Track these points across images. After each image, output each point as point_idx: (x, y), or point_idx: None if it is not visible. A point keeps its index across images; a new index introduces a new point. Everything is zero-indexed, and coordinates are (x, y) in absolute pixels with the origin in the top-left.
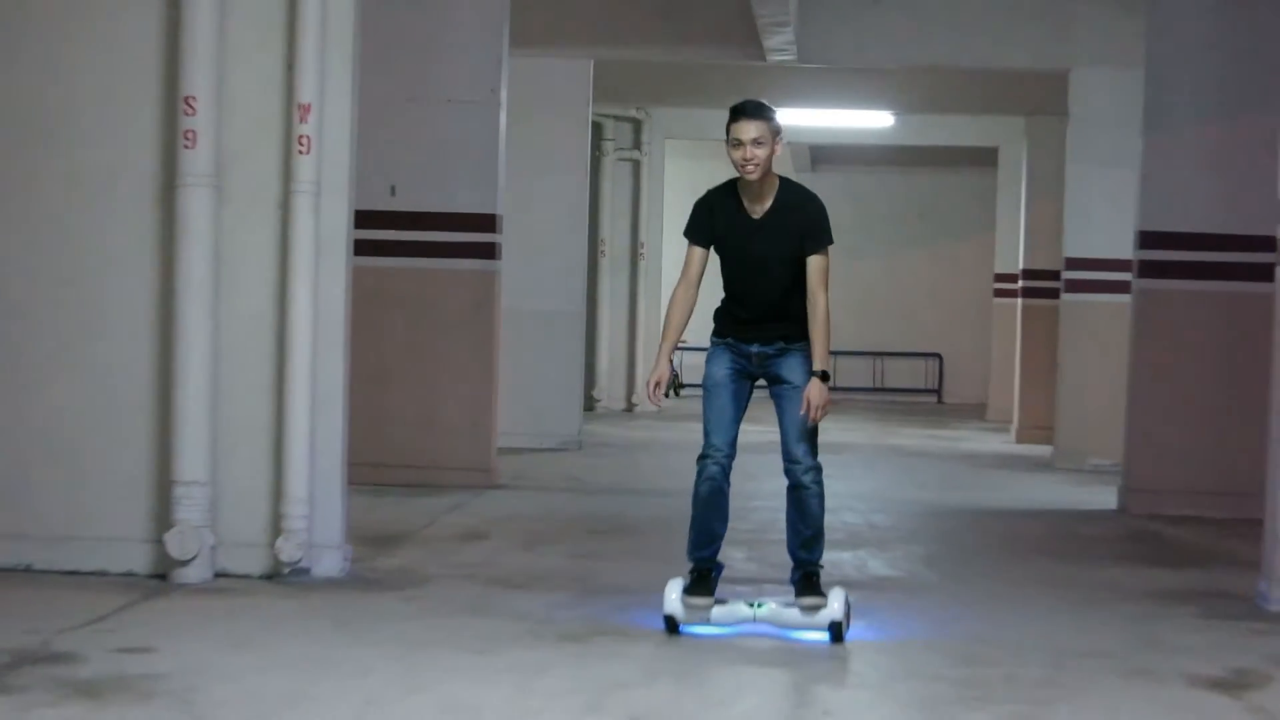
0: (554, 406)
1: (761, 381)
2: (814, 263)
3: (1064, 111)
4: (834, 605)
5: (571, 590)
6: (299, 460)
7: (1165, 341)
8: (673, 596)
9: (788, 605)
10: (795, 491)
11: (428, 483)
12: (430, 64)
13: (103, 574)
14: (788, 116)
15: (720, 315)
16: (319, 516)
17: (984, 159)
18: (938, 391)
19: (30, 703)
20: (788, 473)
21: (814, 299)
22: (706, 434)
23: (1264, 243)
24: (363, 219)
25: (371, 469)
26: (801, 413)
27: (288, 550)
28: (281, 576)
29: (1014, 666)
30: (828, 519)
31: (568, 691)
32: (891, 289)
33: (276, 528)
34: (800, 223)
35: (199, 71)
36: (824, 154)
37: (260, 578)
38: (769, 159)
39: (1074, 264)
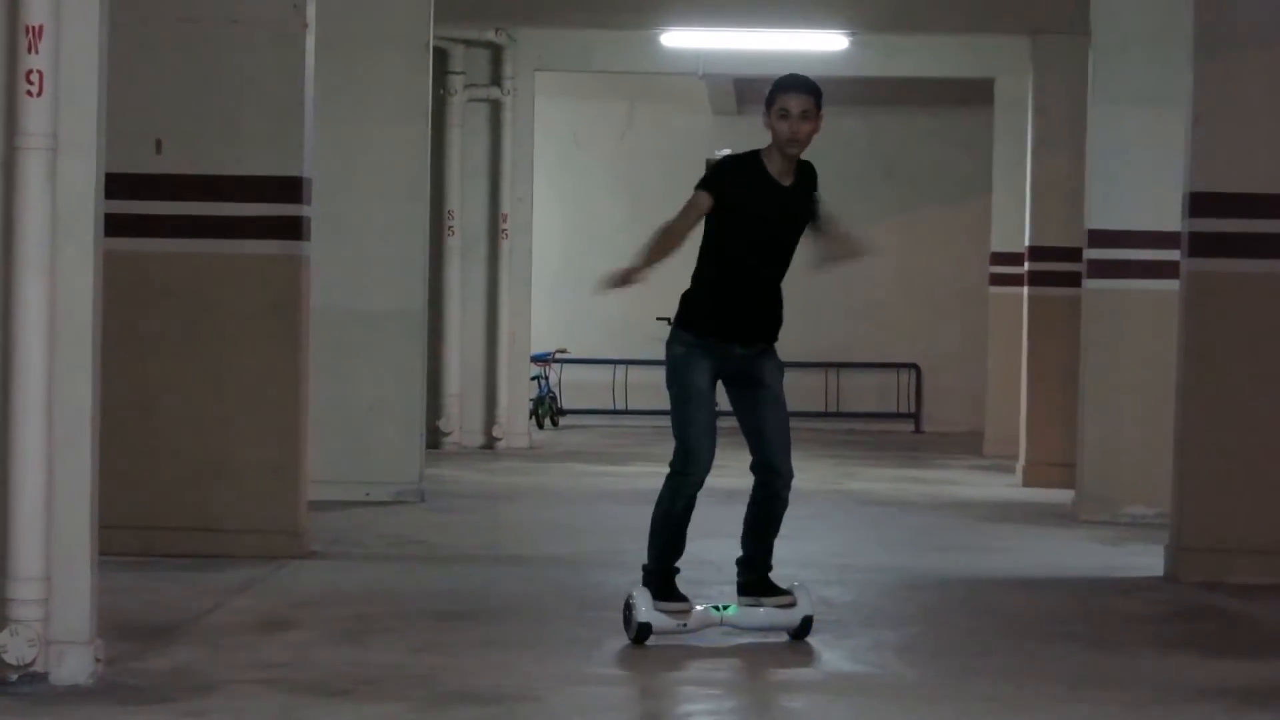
0: (385, 444)
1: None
2: (828, 213)
3: (1084, 29)
4: (803, 601)
5: (411, 700)
6: (30, 524)
7: (1228, 344)
8: (644, 606)
9: (754, 605)
10: (768, 503)
11: (212, 551)
12: None
13: None
14: (705, 39)
15: (698, 305)
16: (60, 602)
17: (975, 95)
18: (915, 416)
19: None
20: (765, 484)
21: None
22: (688, 449)
23: None
24: (118, 185)
25: (133, 534)
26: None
27: (17, 649)
28: (9, 685)
29: None
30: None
31: None
32: (849, 277)
33: (1, 618)
34: (811, 188)
35: None
36: (754, 90)
37: None
38: (810, 136)
39: (1100, 239)
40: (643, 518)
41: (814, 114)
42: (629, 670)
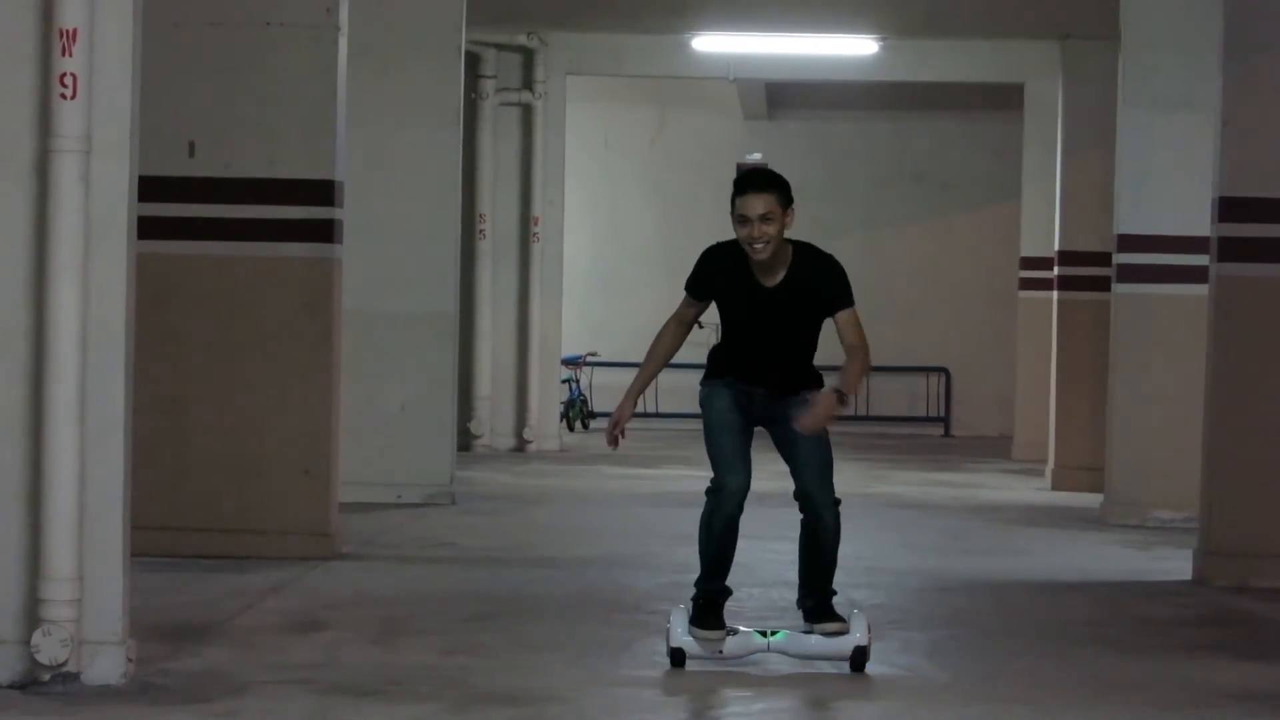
0: (417, 446)
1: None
2: (845, 320)
3: (1114, 34)
4: (858, 630)
5: (442, 700)
6: (63, 524)
7: (1257, 349)
8: (679, 630)
9: (805, 632)
10: (814, 530)
11: (243, 553)
12: None
13: None
14: (737, 43)
15: (719, 358)
16: (92, 602)
17: (1004, 100)
18: (944, 420)
19: None
20: (806, 510)
21: (852, 354)
22: (720, 472)
23: None
24: (151, 188)
25: (165, 534)
26: (802, 422)
27: (49, 649)
28: (41, 685)
29: None
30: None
31: None
32: (878, 280)
33: (33, 619)
34: (819, 288)
35: None
36: (784, 95)
37: (11, 686)
38: (779, 235)
39: (1129, 243)
40: (672, 520)
41: (778, 213)
42: (658, 672)
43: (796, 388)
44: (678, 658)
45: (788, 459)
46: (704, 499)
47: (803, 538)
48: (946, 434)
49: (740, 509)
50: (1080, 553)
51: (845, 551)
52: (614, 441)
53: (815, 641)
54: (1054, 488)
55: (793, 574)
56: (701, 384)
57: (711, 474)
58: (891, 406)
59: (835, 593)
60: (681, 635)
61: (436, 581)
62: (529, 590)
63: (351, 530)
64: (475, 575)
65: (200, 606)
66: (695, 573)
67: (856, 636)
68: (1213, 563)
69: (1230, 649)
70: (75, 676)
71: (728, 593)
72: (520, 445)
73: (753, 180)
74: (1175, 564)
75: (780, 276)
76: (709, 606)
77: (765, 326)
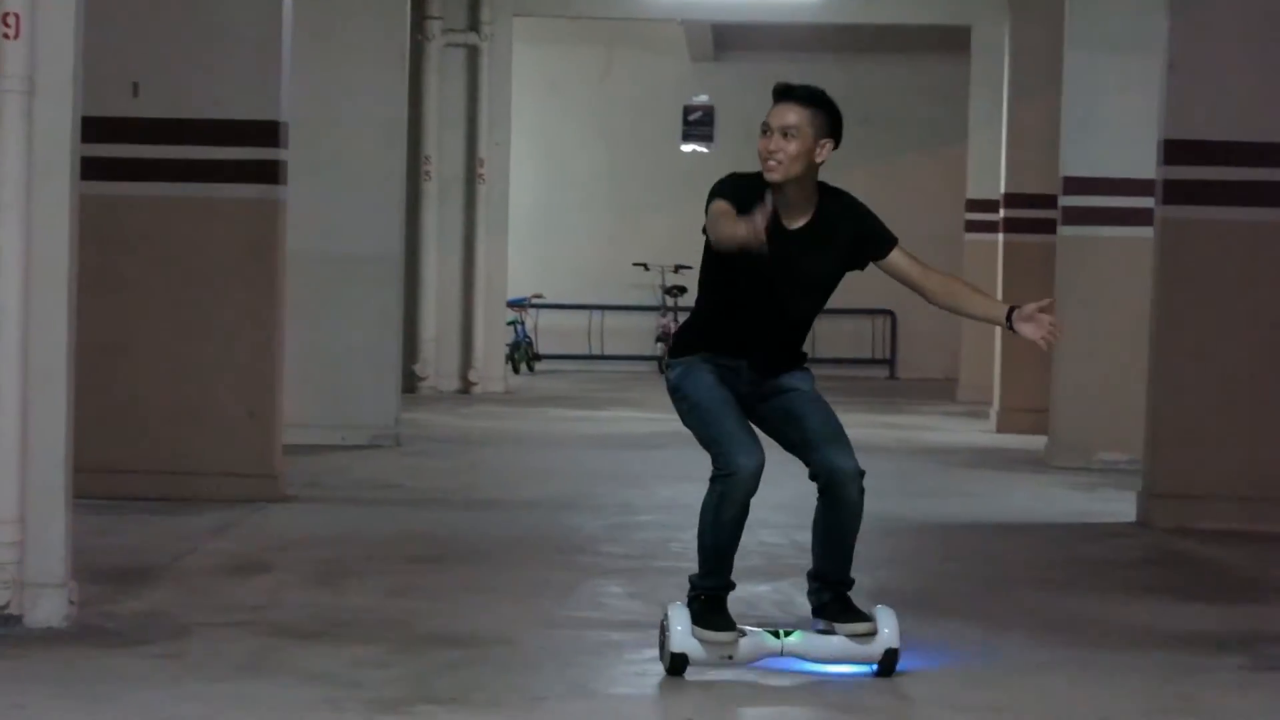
0: (361, 388)
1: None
2: (906, 257)
3: None
4: (887, 628)
5: (386, 642)
6: (4, 467)
7: (1201, 293)
8: (680, 628)
9: (825, 632)
10: (836, 510)
11: (185, 494)
12: None
13: None
14: None
15: (697, 330)
16: (34, 544)
17: (952, 43)
18: (889, 363)
19: None
20: (830, 488)
21: (948, 286)
22: (730, 452)
23: None
24: (95, 128)
25: (107, 477)
26: (1043, 336)
27: None
28: None
29: None
30: (743, 538)
31: None
32: None
33: None
34: (854, 230)
35: None
36: (731, 36)
37: None
38: (802, 159)
39: (1075, 186)
40: (617, 462)
41: (808, 135)
42: (602, 613)
43: (786, 365)
44: (679, 664)
45: (792, 437)
46: (655, 436)
47: (819, 522)
48: (891, 376)
49: (754, 492)
50: (1024, 494)
51: (788, 493)
52: (765, 235)
53: (839, 643)
54: (999, 430)
55: (765, 534)
56: (671, 364)
57: (713, 459)
58: (836, 348)
59: (854, 582)
60: (685, 638)
61: (381, 523)
62: (474, 532)
63: (296, 472)
64: (420, 517)
65: (143, 549)
66: (641, 515)
67: (886, 635)
68: (1156, 505)
69: (1172, 590)
70: (18, 619)
71: (732, 587)
72: (465, 387)
73: (793, 91)
74: (1119, 506)
75: (807, 218)
76: (715, 604)
77: (780, 276)
